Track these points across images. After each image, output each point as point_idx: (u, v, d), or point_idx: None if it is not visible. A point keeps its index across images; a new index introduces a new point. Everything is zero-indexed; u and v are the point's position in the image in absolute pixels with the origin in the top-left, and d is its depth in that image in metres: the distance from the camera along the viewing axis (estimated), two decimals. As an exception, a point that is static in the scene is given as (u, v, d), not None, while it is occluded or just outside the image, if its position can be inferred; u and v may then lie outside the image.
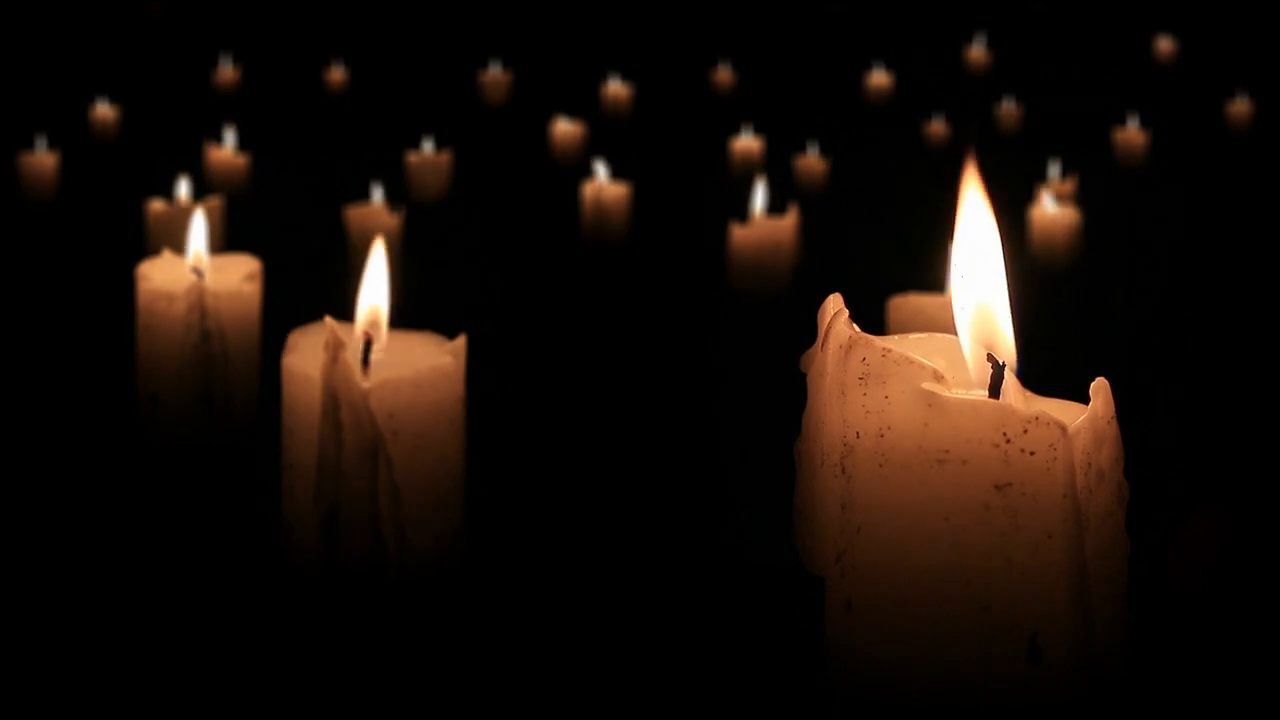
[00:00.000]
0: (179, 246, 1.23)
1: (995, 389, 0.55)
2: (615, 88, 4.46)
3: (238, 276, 1.17)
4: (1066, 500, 0.52)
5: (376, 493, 0.83)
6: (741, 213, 2.24)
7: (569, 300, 2.31)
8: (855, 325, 0.54)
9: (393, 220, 2.36)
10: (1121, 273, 2.55)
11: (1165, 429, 1.49)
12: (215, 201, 2.08)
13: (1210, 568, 0.78)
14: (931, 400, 0.52)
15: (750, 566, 1.03)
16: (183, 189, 2.13)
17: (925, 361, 0.53)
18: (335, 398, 0.82)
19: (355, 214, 2.38)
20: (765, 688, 0.89)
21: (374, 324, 0.87)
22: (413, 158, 3.07)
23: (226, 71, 4.63)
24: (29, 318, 2.01)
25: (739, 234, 2.17)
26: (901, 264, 1.62)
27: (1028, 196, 2.66)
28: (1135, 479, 0.55)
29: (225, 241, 1.97)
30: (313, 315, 0.88)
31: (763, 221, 2.20)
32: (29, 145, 2.90)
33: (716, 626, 0.99)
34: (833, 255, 2.53)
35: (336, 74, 4.68)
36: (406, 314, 0.94)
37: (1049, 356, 0.73)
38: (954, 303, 0.57)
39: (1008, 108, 4.28)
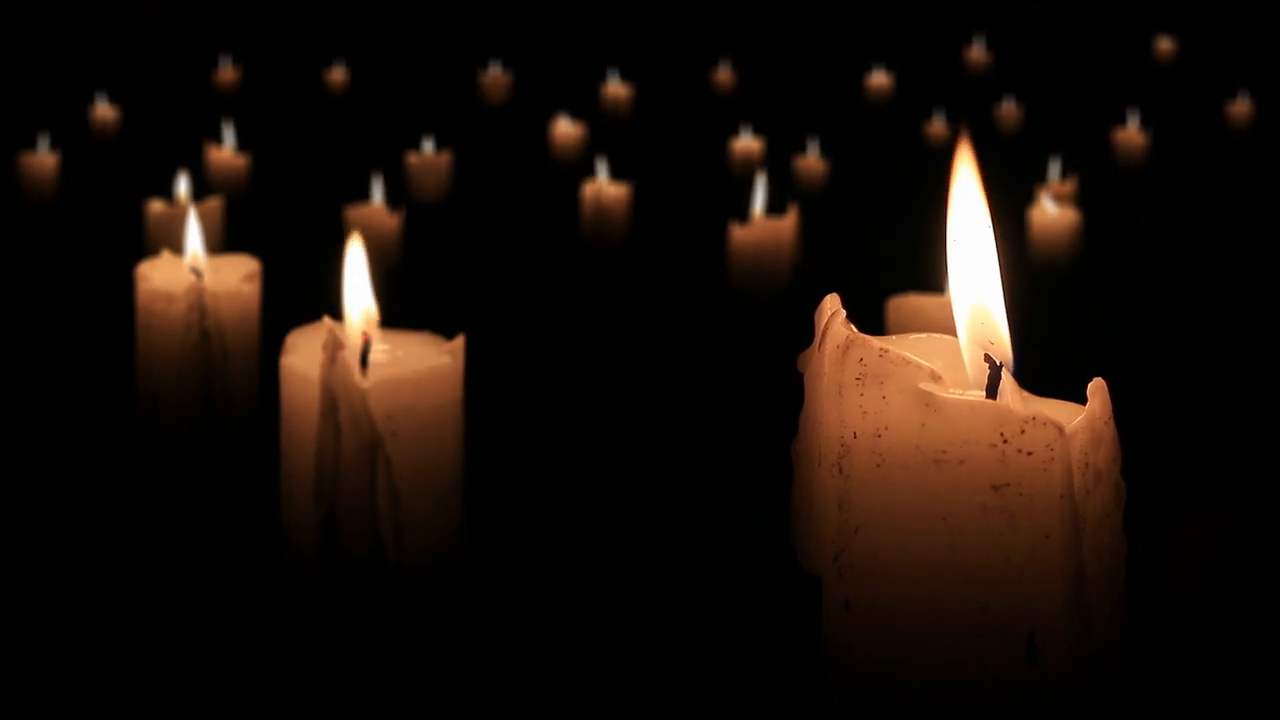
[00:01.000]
0: (178, 247, 1.23)
1: (992, 389, 0.55)
2: (615, 88, 4.46)
3: (237, 276, 1.17)
4: (1064, 500, 0.52)
5: (375, 493, 0.83)
6: (741, 213, 2.24)
7: (569, 300, 2.31)
8: (852, 325, 0.54)
9: (393, 220, 2.36)
10: (1121, 273, 2.55)
11: (1163, 429, 1.49)
12: (215, 202, 2.08)
13: (1208, 568, 0.78)
14: (929, 400, 0.52)
15: (748, 566, 1.03)
16: (182, 189, 2.13)
17: (922, 362, 0.53)
18: (334, 398, 0.82)
19: (355, 214, 2.38)
20: (763, 688, 0.89)
21: (368, 323, 0.88)
22: (413, 158, 3.07)
23: (226, 71, 4.63)
24: (29, 318, 2.01)
25: (739, 234, 2.17)
26: (901, 264, 1.62)
27: (1028, 197, 2.66)
28: (1133, 479, 0.55)
29: (225, 241, 1.97)
30: (312, 315, 0.88)
31: (763, 221, 2.20)
32: (29, 145, 2.90)
33: (714, 626, 0.99)
34: (833, 255, 2.53)
35: (336, 74, 4.68)
36: (406, 314, 0.94)
37: (1047, 357, 0.74)
38: (952, 301, 0.57)
39: (1008, 108, 4.28)
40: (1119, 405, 0.54)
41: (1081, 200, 2.75)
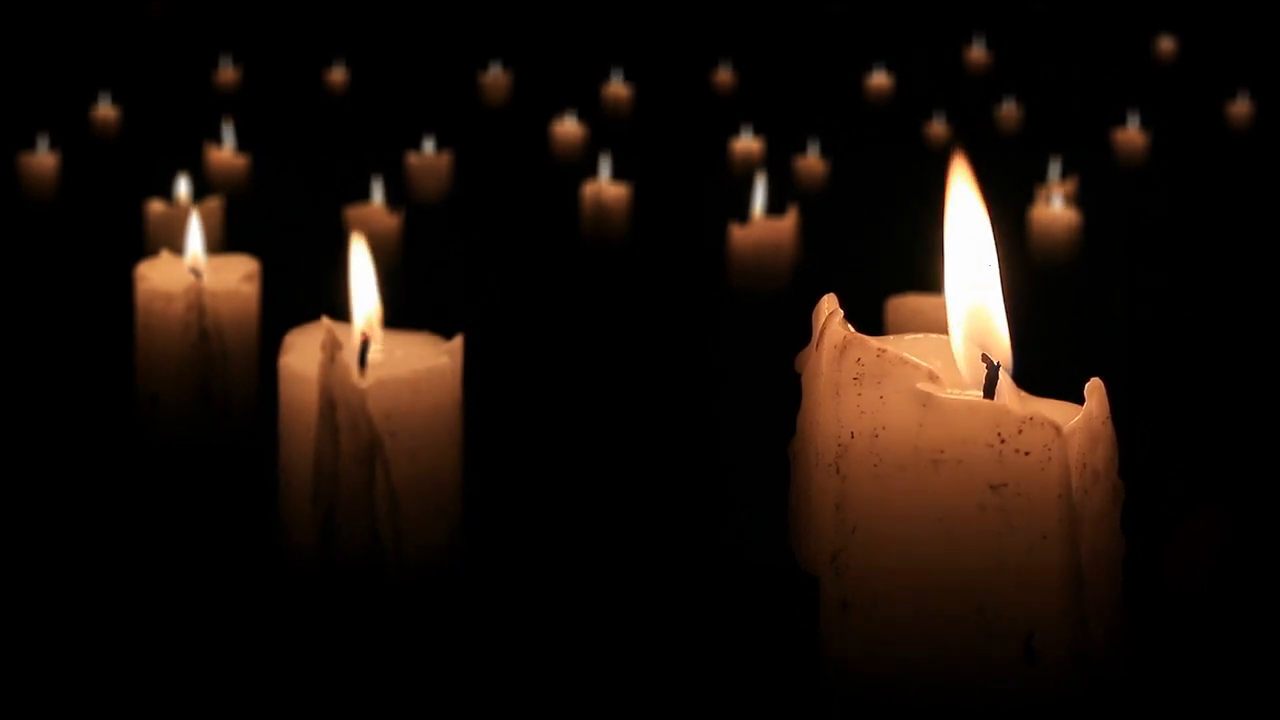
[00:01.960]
0: (178, 247, 1.23)
1: (990, 389, 0.55)
2: (616, 88, 4.46)
3: (236, 276, 1.17)
4: (1061, 501, 0.52)
5: (374, 494, 0.83)
6: (741, 213, 2.24)
7: (569, 300, 2.31)
8: (850, 325, 0.54)
9: (393, 220, 2.36)
10: (1121, 273, 2.55)
11: (1163, 429, 1.49)
12: (215, 202, 2.08)
13: (1208, 568, 0.78)
14: (926, 400, 0.52)
15: (746, 566, 1.03)
16: (182, 189, 2.13)
17: (920, 362, 0.53)
18: (332, 398, 0.82)
19: (355, 214, 2.38)
20: (761, 688, 0.89)
21: (370, 326, 0.87)
22: (413, 158, 3.07)
23: (226, 71, 4.62)
24: (29, 318, 2.01)
25: (739, 234, 2.17)
26: (901, 264, 1.62)
27: (1028, 197, 2.66)
28: (1132, 479, 0.55)
29: (225, 241, 1.97)
30: (311, 315, 0.88)
31: (763, 221, 2.20)
32: (29, 145, 2.90)
33: (713, 626, 0.99)
34: (833, 255, 2.53)
35: (336, 74, 4.68)
36: (406, 314, 0.94)
37: (1045, 356, 0.73)
38: (948, 301, 0.57)
39: (1008, 108, 4.28)
40: (1118, 405, 0.54)
41: (1081, 200, 2.75)
